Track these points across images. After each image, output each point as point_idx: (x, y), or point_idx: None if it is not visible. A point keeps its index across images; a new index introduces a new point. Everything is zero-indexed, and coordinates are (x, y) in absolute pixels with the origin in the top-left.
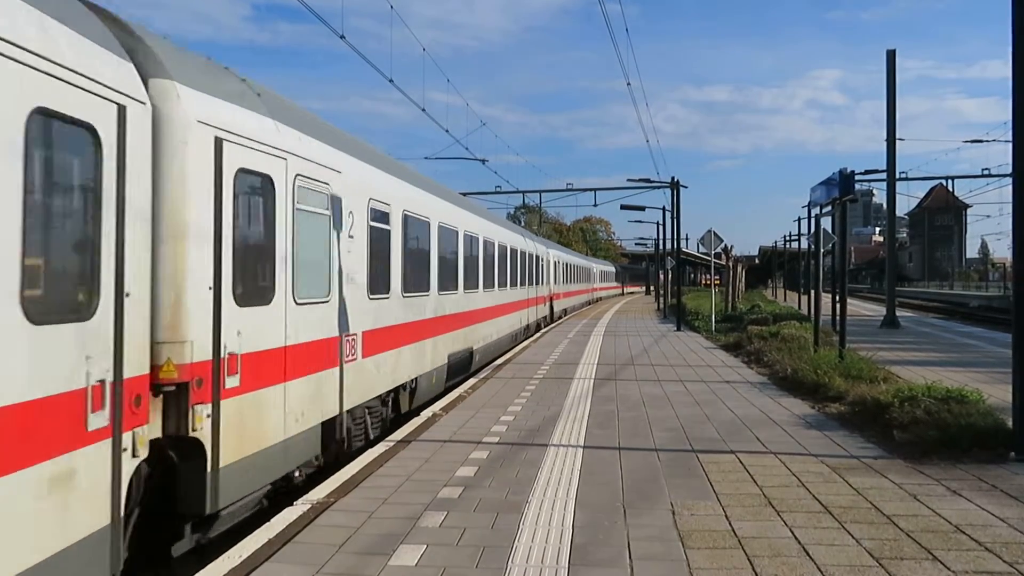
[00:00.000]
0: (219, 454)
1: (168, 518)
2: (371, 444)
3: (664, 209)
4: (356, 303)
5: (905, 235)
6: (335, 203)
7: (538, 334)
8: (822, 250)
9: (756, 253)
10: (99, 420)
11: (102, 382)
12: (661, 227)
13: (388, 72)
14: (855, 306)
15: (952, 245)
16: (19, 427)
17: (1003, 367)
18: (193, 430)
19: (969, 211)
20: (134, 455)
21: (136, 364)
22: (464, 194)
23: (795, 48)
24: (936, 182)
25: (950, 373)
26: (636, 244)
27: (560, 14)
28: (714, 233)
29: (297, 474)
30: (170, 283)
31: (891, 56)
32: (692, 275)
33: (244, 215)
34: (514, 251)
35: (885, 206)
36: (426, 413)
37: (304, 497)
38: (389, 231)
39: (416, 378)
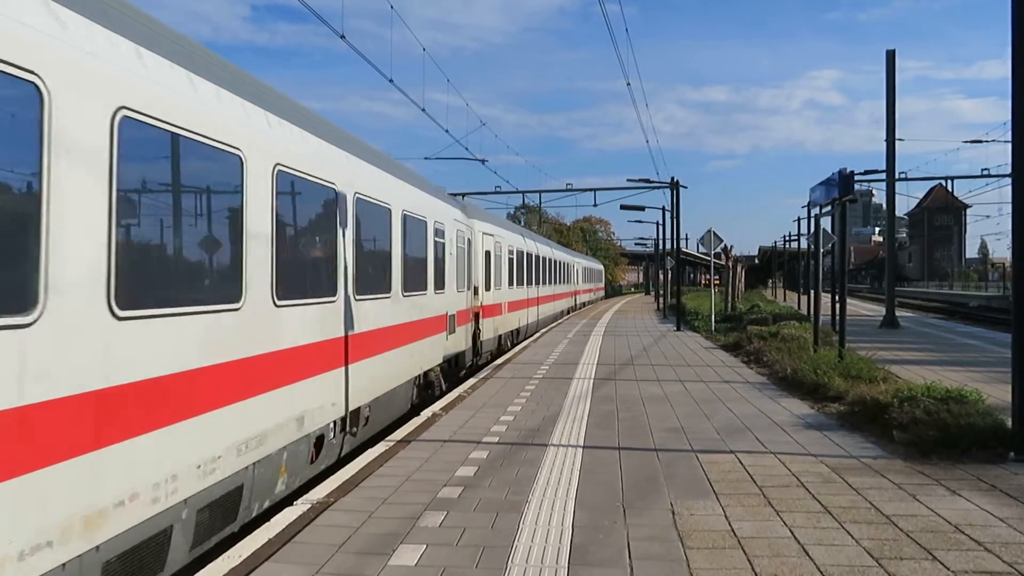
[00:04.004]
0: None
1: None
2: None
3: (664, 209)
4: None
5: (905, 235)
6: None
7: (538, 333)
8: (822, 250)
9: (756, 253)
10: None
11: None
12: (661, 227)
13: (388, 72)
14: (854, 306)
15: (952, 245)
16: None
17: (1002, 367)
18: None
19: (969, 211)
20: None
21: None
22: (464, 194)
23: (793, 48)
24: (935, 182)
25: (949, 373)
26: (636, 244)
27: (558, 14)
28: (714, 233)
29: None
30: None
31: (891, 56)
32: (692, 275)
33: None
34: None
35: (885, 206)
36: (426, 413)
37: (304, 497)
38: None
39: None
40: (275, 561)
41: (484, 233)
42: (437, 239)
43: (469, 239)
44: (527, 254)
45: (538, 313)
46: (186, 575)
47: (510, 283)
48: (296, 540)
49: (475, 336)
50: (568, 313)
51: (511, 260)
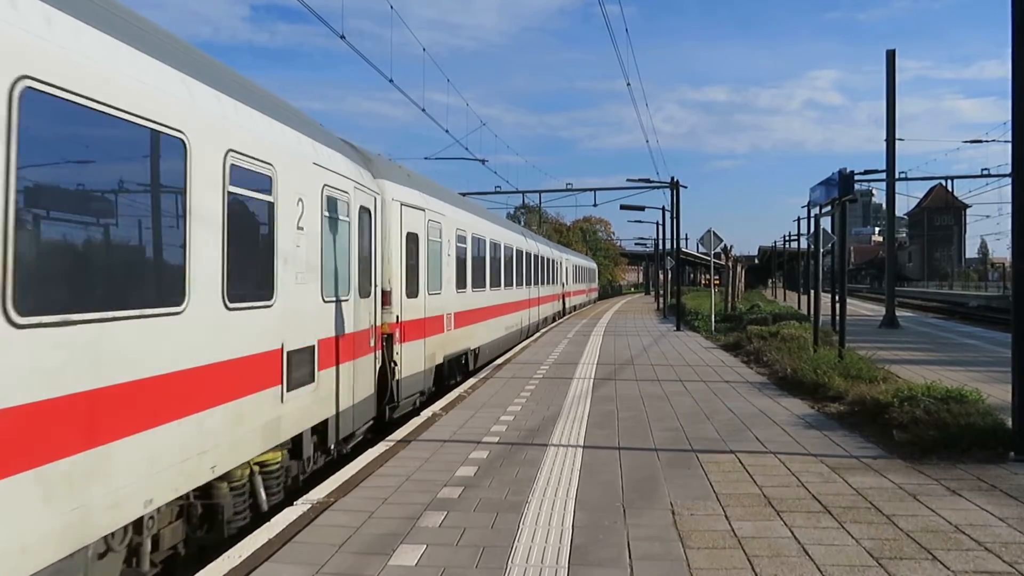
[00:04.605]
0: None
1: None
2: None
3: (664, 209)
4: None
5: (905, 235)
6: None
7: (538, 334)
8: (821, 250)
9: (756, 253)
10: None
11: None
12: (661, 227)
13: (388, 72)
14: (854, 306)
15: (951, 245)
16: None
17: (1002, 367)
18: None
19: (968, 211)
20: None
21: None
22: (464, 194)
23: (793, 48)
24: (935, 182)
25: (949, 373)
26: (636, 244)
27: (557, 15)
28: (714, 233)
29: None
30: None
31: (891, 56)
32: (692, 275)
33: None
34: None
35: (884, 206)
36: (426, 413)
37: (304, 497)
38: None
39: None
40: (275, 561)
41: (404, 204)
42: (249, 192)
43: (368, 210)
44: (491, 243)
45: (509, 324)
46: (186, 575)
47: (460, 284)
48: (296, 540)
49: (383, 375)
50: (555, 320)
51: (462, 250)
